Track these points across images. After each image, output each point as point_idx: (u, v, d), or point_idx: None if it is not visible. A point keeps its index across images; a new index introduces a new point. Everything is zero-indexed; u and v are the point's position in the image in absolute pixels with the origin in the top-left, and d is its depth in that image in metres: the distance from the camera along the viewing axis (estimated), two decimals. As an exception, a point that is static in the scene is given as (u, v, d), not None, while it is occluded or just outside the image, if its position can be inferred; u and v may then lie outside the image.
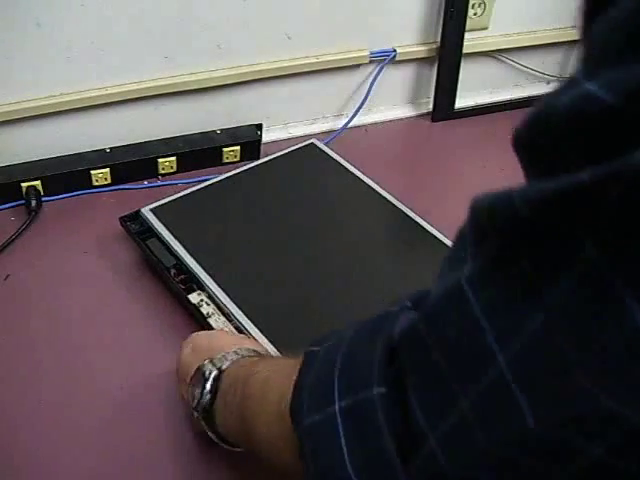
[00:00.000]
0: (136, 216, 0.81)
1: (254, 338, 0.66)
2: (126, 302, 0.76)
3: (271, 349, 0.64)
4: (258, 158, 0.97)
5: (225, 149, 0.97)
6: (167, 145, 0.95)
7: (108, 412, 0.65)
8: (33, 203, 0.86)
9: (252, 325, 0.68)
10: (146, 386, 0.67)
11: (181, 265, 0.75)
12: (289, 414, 0.40)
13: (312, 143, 0.95)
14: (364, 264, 0.77)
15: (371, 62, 1.05)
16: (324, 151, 0.94)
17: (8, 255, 0.81)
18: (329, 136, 1.04)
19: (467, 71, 1.10)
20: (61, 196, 0.90)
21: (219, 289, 0.71)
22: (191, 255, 0.75)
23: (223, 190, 0.86)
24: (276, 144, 1.02)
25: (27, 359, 0.69)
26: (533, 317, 0.27)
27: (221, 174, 0.88)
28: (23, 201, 0.87)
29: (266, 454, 0.46)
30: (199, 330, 0.66)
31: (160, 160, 0.94)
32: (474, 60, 1.12)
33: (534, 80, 1.20)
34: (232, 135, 0.99)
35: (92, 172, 0.90)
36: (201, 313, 0.71)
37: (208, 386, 0.53)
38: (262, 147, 0.99)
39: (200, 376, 0.54)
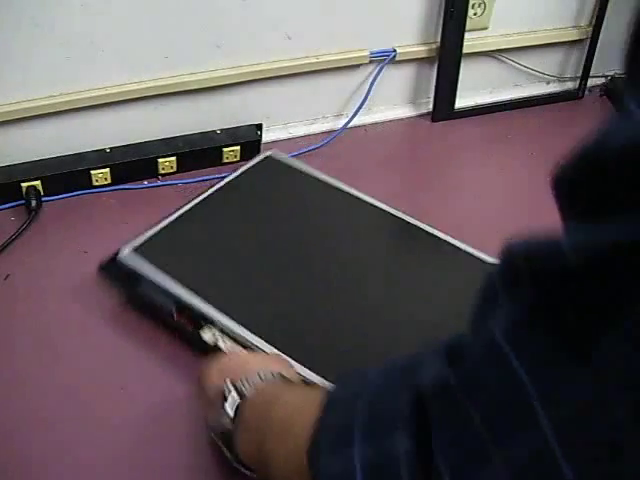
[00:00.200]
0: (115, 260, 0.73)
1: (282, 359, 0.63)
2: (126, 302, 0.76)
3: (298, 367, 0.62)
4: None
5: (225, 149, 0.97)
6: (167, 145, 0.95)
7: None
8: (33, 203, 0.86)
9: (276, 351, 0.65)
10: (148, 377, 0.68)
11: (183, 305, 0.69)
12: (306, 455, 0.39)
13: (270, 155, 0.91)
14: (364, 270, 0.76)
15: (371, 62, 1.05)
16: (283, 162, 0.90)
17: (8, 255, 0.81)
18: (329, 136, 1.04)
19: (467, 71, 1.10)
20: (61, 196, 0.90)
21: (234, 323, 0.67)
22: (194, 293, 0.69)
23: (201, 214, 0.81)
24: (276, 144, 1.02)
25: (27, 359, 0.69)
26: (581, 379, 0.26)
27: (221, 174, 0.88)
28: (23, 201, 0.87)
29: None
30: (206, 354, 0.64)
31: (160, 160, 0.94)
32: (474, 60, 1.12)
33: (534, 80, 1.20)
34: (232, 135, 0.99)
35: (92, 172, 0.90)
36: (219, 348, 0.66)
37: (229, 411, 0.52)
38: (262, 147, 0.99)
39: (221, 400, 0.53)
